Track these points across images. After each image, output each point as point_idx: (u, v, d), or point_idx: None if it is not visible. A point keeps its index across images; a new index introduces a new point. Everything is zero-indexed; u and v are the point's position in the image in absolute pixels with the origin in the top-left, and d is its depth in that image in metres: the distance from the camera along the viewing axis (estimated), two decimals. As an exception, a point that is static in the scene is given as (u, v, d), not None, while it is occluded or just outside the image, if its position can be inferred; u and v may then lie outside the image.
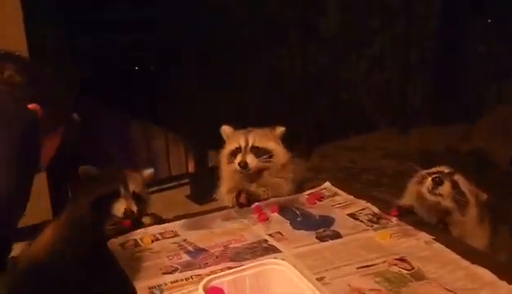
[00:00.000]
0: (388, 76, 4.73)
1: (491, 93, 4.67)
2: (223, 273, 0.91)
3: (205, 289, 0.85)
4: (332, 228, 1.37)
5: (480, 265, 1.14)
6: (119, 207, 1.38)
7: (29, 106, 0.98)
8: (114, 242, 1.33)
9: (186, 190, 3.32)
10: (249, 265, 0.94)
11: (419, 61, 4.75)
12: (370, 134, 4.44)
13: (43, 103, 1.02)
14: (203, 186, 3.23)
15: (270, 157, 1.52)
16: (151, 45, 3.97)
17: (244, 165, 1.48)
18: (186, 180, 3.33)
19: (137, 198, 1.42)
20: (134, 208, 1.39)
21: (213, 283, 0.87)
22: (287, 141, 4.27)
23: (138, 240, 1.34)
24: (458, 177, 1.47)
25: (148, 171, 1.51)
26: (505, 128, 3.51)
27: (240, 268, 0.93)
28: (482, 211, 1.44)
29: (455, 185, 1.44)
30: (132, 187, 1.41)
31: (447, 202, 1.40)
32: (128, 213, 1.37)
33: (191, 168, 3.25)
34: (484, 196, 1.45)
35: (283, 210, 1.48)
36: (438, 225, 1.37)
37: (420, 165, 3.78)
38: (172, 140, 3.55)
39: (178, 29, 3.32)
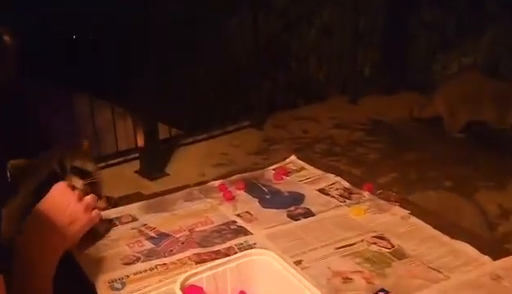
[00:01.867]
0: (338, 45, 4.69)
1: (437, 63, 4.74)
2: (201, 268, 0.81)
3: (182, 289, 0.74)
4: (302, 205, 1.29)
5: (460, 239, 1.10)
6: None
7: None
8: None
9: (136, 165, 3.17)
10: (229, 258, 0.84)
11: (368, 30, 4.73)
12: (320, 103, 4.41)
13: None
14: (153, 161, 3.09)
15: None
16: (88, 12, 3.73)
17: None
18: (135, 155, 3.17)
19: (80, 172, 1.24)
20: (78, 183, 1.20)
21: (191, 281, 0.76)
22: (240, 112, 4.19)
23: (92, 227, 1.20)
24: None
25: (85, 142, 1.33)
26: (462, 95, 3.56)
27: (219, 261, 0.82)
28: None
29: None
30: (69, 163, 1.23)
31: None
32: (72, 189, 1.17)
33: (140, 142, 3.09)
34: None
35: (249, 187, 1.38)
36: None
37: (372, 134, 3.80)
38: (118, 114, 3.37)
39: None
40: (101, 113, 3.39)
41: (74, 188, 1.15)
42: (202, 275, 0.78)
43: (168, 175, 3.11)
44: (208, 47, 3.84)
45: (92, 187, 1.24)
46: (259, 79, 4.02)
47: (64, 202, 1.05)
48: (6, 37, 0.93)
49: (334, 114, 4.11)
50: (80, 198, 1.08)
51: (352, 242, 1.11)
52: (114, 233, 1.20)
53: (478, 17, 4.37)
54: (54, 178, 1.20)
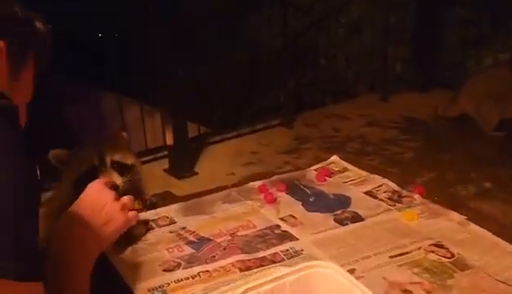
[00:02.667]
0: (368, 41, 4.59)
1: (471, 59, 4.59)
2: (259, 281, 0.74)
3: (239, 304, 0.67)
4: (349, 208, 1.21)
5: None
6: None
7: None
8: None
9: (164, 164, 3.12)
10: (289, 270, 0.76)
11: (399, 26, 4.60)
12: (350, 101, 4.31)
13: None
14: (182, 159, 3.04)
15: None
16: (115, 11, 3.71)
17: None
18: (164, 153, 3.12)
19: (120, 166, 1.19)
20: (118, 180, 1.16)
21: (248, 296, 0.70)
22: (269, 110, 4.12)
23: (129, 229, 1.15)
24: None
25: (124, 134, 1.28)
26: (490, 93, 3.42)
27: (278, 274, 0.75)
28: None
29: None
30: (109, 157, 1.18)
31: None
32: (109, 186, 1.11)
33: (169, 140, 3.04)
34: None
35: (291, 189, 1.31)
36: None
37: (405, 132, 3.68)
38: (147, 111, 3.33)
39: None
40: (129, 110, 3.36)
41: (111, 185, 1.10)
42: (260, 289, 0.71)
43: (197, 173, 3.06)
44: (236, 45, 3.79)
45: (133, 182, 1.19)
46: (288, 77, 3.94)
47: (100, 201, 1.00)
48: (39, 24, 0.88)
49: (364, 112, 4.00)
50: (117, 198, 1.03)
51: (408, 250, 1.03)
52: (152, 236, 1.14)
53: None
54: (94, 171, 1.16)
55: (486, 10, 4.41)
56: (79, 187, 1.10)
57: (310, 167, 1.45)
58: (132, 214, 1.05)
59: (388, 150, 3.28)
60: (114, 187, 1.13)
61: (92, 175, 1.15)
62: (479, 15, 4.47)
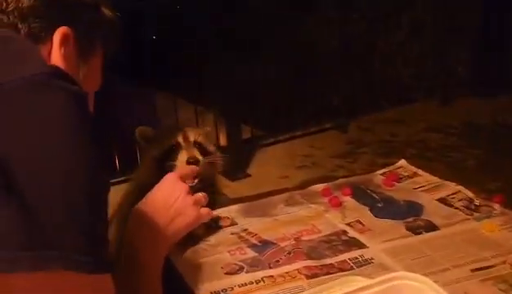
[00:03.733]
0: (428, 43, 4.42)
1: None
2: (341, 292, 0.68)
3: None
4: (422, 216, 1.13)
5: None
6: (182, 157, 1.16)
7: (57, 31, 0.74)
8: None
9: (217, 165, 3.11)
10: (370, 282, 0.70)
11: (462, 27, 4.42)
12: (408, 105, 4.17)
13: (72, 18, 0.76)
14: (235, 161, 3.01)
15: None
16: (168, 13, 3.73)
17: None
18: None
19: (202, 148, 1.20)
20: (199, 156, 1.16)
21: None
22: (323, 113, 4.04)
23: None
24: None
25: (207, 128, 1.32)
26: None
27: (362, 284, 0.69)
28: None
29: None
30: (192, 137, 1.20)
31: None
32: (192, 160, 1.15)
33: (223, 141, 3.02)
34: None
35: (357, 193, 1.24)
36: None
37: (467, 139, 3.52)
38: (200, 112, 3.33)
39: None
40: (183, 111, 3.37)
41: (193, 160, 1.13)
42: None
43: (250, 175, 3.02)
44: (291, 46, 3.73)
45: (212, 167, 1.19)
46: (343, 80, 3.85)
47: (173, 194, 0.96)
48: (106, 11, 0.85)
49: (423, 117, 3.86)
50: (190, 192, 0.98)
51: (491, 263, 0.94)
52: (213, 237, 1.10)
53: None
54: (177, 148, 1.19)
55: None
56: (162, 163, 1.16)
57: (370, 171, 1.38)
58: (204, 210, 1.00)
59: (449, 157, 3.13)
60: (195, 161, 1.14)
61: (175, 152, 1.18)
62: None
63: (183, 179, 1.01)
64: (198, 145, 1.20)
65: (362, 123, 3.79)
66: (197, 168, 1.13)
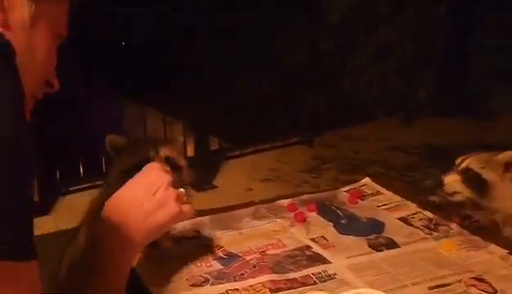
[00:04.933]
0: (393, 64, 4.55)
1: (496, 89, 4.52)
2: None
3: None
4: (384, 234, 1.17)
5: None
6: None
7: None
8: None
9: (183, 175, 3.10)
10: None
11: (426, 51, 4.57)
12: (372, 124, 4.26)
13: None
14: (202, 172, 3.01)
15: None
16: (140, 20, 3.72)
17: None
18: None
19: (173, 164, 1.14)
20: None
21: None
22: (289, 128, 4.09)
23: (155, 241, 1.11)
24: (469, 160, 1.27)
25: (180, 138, 1.27)
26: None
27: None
28: None
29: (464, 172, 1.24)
30: (163, 152, 1.15)
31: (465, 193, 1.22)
32: (171, 166, 1.08)
33: (190, 152, 3.02)
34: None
35: (322, 209, 1.27)
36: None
37: (428, 159, 3.61)
38: (169, 122, 3.32)
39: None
40: (151, 120, 3.35)
41: (174, 164, 1.06)
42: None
43: (216, 187, 3.03)
44: (260, 60, 3.77)
45: (176, 172, 1.16)
46: (310, 95, 3.92)
47: (156, 182, 0.89)
48: None
49: (385, 136, 3.96)
50: (173, 185, 0.91)
51: (448, 281, 0.98)
52: (179, 249, 1.10)
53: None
54: (146, 163, 1.13)
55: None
56: (129, 177, 1.05)
57: (334, 187, 1.42)
58: (186, 207, 0.92)
59: (411, 177, 3.22)
60: (176, 166, 1.08)
61: (143, 166, 1.13)
62: (507, 45, 4.43)
63: (170, 164, 0.98)
64: (169, 161, 1.15)
65: (328, 139, 3.86)
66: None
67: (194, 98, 3.06)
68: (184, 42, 3.12)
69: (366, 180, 1.43)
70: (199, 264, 1.04)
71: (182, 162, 1.17)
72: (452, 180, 1.25)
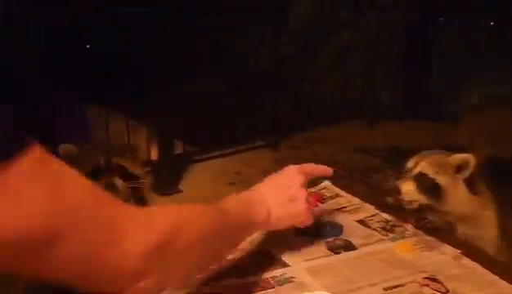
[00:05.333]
0: (354, 68, 4.63)
1: (456, 92, 4.66)
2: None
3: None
4: (342, 236, 1.19)
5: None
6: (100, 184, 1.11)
7: None
8: None
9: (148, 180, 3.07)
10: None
11: (386, 55, 4.67)
12: (335, 127, 4.33)
13: None
14: (167, 176, 3.00)
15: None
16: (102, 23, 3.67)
17: None
18: (147, 169, 3.07)
19: (125, 172, 1.15)
20: (118, 183, 1.12)
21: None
22: (254, 132, 4.10)
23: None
24: (422, 164, 1.32)
25: (136, 145, 1.26)
26: (486, 129, 3.45)
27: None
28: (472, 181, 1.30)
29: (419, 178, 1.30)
30: (115, 160, 1.14)
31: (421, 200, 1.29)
32: (110, 189, 1.09)
33: (154, 156, 3.00)
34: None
35: (282, 213, 1.28)
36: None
37: (390, 161, 3.68)
38: (133, 126, 3.28)
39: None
40: (115, 124, 3.31)
41: (113, 187, 1.08)
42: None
43: (181, 191, 3.01)
44: (224, 65, 3.78)
45: (135, 192, 1.15)
46: (274, 99, 3.95)
47: (290, 182, 1.03)
48: None
49: (347, 138, 4.02)
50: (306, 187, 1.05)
51: (402, 282, 1.01)
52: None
53: (500, 48, 4.31)
54: (98, 172, 1.11)
55: (472, 44, 4.51)
56: None
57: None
58: (317, 210, 1.11)
59: (372, 178, 3.28)
60: (127, 174, 1.13)
61: (95, 175, 1.11)
62: (464, 49, 4.57)
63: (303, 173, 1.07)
64: (120, 169, 1.15)
65: (292, 142, 3.89)
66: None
67: (157, 102, 3.04)
68: (146, 45, 3.10)
69: (326, 183, 1.46)
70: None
71: (137, 170, 1.16)
72: (409, 189, 1.29)
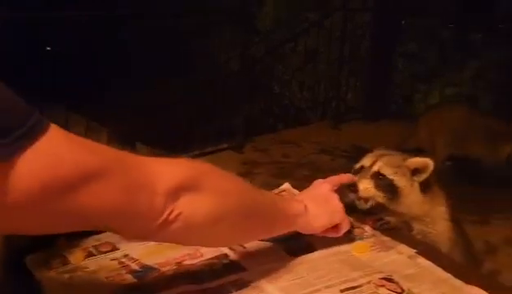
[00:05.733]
0: (321, 70, 4.67)
1: (419, 92, 4.76)
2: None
3: None
4: (301, 238, 1.18)
5: (473, 284, 1.01)
6: None
7: None
8: (33, 260, 1.06)
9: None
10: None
11: (352, 57, 4.72)
12: (302, 128, 4.36)
13: None
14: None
15: None
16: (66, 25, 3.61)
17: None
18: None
19: None
20: None
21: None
22: (220, 134, 4.10)
23: (67, 256, 1.08)
24: (380, 164, 1.34)
25: None
26: (448, 129, 3.53)
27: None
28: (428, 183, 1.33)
29: (376, 177, 1.32)
30: None
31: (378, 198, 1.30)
32: None
33: (116, 160, 2.94)
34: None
35: (241, 216, 1.27)
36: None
37: (355, 161, 3.74)
38: (93, 129, 3.22)
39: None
40: (75, 126, 3.24)
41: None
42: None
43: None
44: (191, 68, 3.76)
45: None
46: (241, 101, 3.94)
47: (330, 194, 1.10)
48: None
49: (315, 139, 4.05)
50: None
51: (359, 283, 1.01)
52: (92, 263, 1.07)
53: (462, 50, 4.42)
54: None
55: (434, 45, 4.61)
56: None
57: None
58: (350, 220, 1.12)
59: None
60: None
61: None
62: (428, 51, 4.67)
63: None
64: None
65: (258, 144, 3.90)
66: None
67: (120, 104, 2.99)
68: (112, 47, 3.05)
69: (286, 185, 1.45)
70: (111, 278, 1.01)
71: None
72: (366, 187, 1.30)
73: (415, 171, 1.32)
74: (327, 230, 1.11)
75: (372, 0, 4.65)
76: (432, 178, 1.34)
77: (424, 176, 1.32)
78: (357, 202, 1.29)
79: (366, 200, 1.30)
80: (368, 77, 4.79)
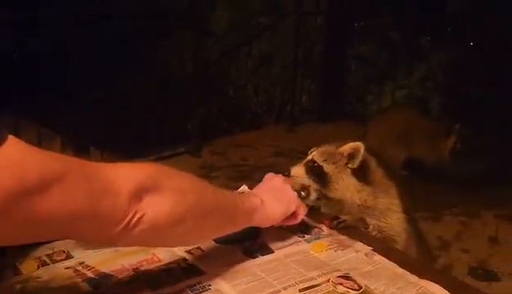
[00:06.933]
0: (276, 73, 4.71)
1: (371, 94, 4.87)
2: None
3: None
4: (259, 240, 1.19)
5: (426, 278, 1.04)
6: None
7: None
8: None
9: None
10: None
11: (306, 60, 4.79)
12: (258, 131, 4.38)
13: None
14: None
15: None
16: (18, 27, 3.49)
17: None
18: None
19: None
20: None
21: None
22: (176, 138, 4.06)
23: (18, 266, 1.04)
24: (313, 153, 1.38)
25: None
26: (394, 133, 3.62)
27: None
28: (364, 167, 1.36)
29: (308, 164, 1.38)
30: None
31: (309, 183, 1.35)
32: None
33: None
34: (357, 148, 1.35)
35: (199, 220, 1.26)
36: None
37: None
38: (46, 135, 3.13)
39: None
40: (26, 133, 3.14)
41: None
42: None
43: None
44: (145, 71, 3.71)
45: None
46: (196, 105, 3.92)
47: (285, 185, 1.15)
48: None
49: (272, 142, 4.08)
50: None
51: (317, 282, 1.02)
52: (45, 273, 1.03)
53: (411, 53, 4.55)
54: None
55: (385, 48, 4.73)
56: None
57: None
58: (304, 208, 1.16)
59: (294, 180, 3.33)
60: None
61: None
62: (379, 54, 4.78)
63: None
64: None
65: (215, 148, 3.88)
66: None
67: (72, 109, 2.91)
68: (62, 50, 2.97)
69: (244, 187, 1.45)
70: (66, 287, 0.98)
71: None
72: (298, 172, 1.33)
73: (350, 157, 1.35)
74: (286, 219, 1.13)
75: (325, 3, 4.72)
76: (368, 164, 1.37)
77: (356, 162, 1.35)
78: (302, 196, 1.30)
79: (306, 191, 1.32)
80: (322, 80, 4.86)
